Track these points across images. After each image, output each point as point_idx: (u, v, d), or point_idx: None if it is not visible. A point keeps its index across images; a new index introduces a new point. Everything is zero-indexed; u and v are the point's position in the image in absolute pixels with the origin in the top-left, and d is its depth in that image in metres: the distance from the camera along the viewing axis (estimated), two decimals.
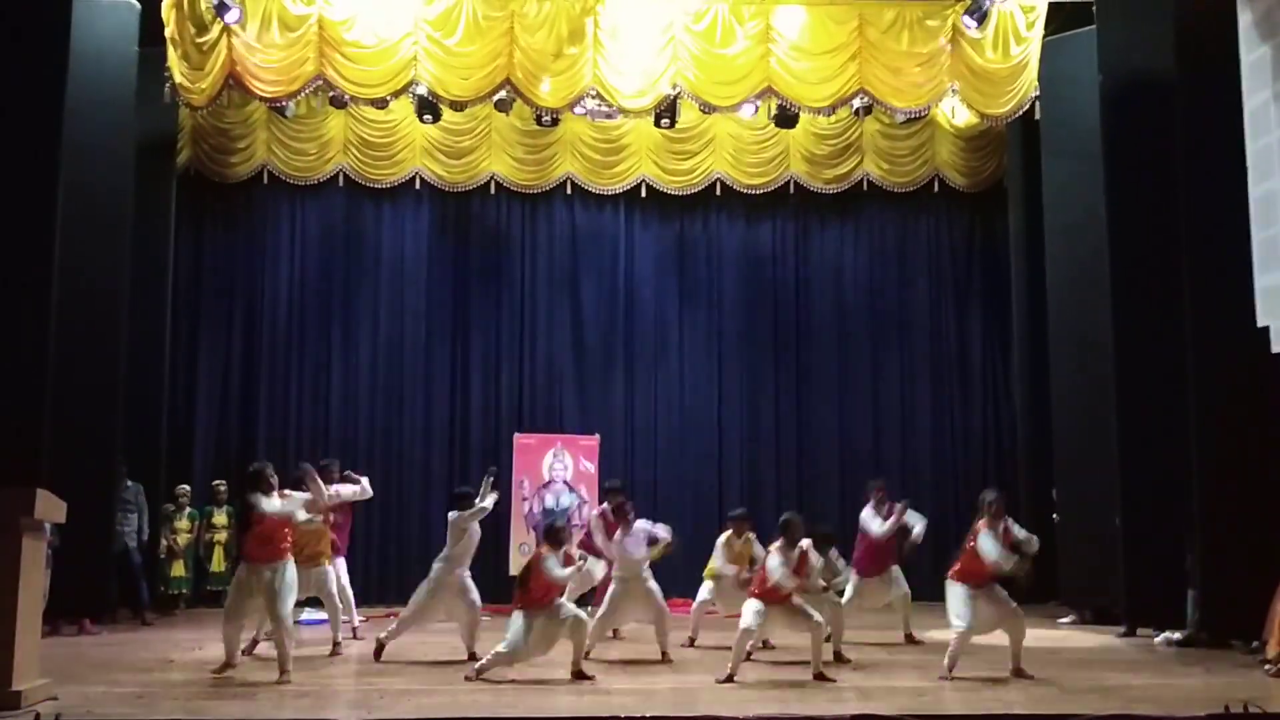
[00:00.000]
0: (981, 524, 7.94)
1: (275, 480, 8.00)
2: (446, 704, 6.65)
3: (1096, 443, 10.96)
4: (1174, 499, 9.67)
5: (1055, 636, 10.35)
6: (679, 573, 10.75)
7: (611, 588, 8.97)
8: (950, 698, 6.93)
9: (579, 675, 7.58)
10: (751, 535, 9.65)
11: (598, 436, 13.27)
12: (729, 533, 9.68)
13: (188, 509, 12.23)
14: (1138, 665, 8.52)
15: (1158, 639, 9.69)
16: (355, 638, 9.65)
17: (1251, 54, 9.25)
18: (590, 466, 12.94)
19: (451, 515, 8.81)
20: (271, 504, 7.88)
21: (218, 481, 12.74)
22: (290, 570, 7.75)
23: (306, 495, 8.18)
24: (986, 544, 7.82)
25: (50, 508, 6.72)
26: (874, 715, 6.05)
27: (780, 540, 7.95)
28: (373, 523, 13.59)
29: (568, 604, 8.00)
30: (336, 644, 8.96)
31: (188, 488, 12.46)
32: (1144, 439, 10.18)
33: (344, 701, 6.74)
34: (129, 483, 11.09)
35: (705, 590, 9.75)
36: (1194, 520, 9.39)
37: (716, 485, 14.12)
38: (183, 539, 12.01)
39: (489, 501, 8.81)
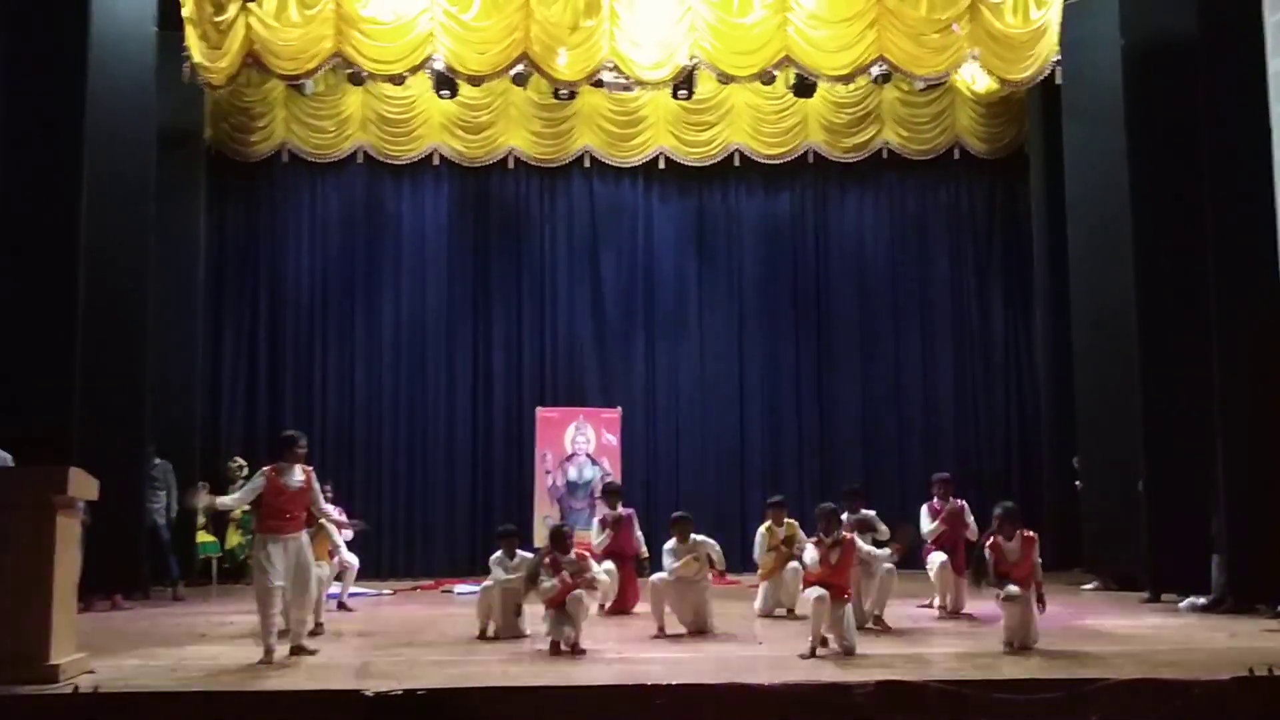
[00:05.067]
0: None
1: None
2: (476, 674, 6.73)
3: (1119, 408, 10.95)
4: (1197, 464, 9.65)
5: (1078, 602, 10.37)
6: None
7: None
8: (966, 666, 6.95)
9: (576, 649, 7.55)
10: (793, 521, 9.55)
11: (619, 409, 13.33)
12: (768, 522, 9.60)
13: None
14: (1162, 630, 8.52)
15: (1182, 604, 9.69)
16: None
17: (1275, 15, 9.13)
18: (613, 439, 13.01)
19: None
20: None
21: (234, 459, 12.81)
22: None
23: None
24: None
25: (82, 485, 6.80)
26: (897, 681, 6.08)
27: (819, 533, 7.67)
28: (398, 497, 13.73)
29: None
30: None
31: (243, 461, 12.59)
32: (1167, 404, 10.15)
33: (376, 673, 6.82)
34: (157, 460, 11.18)
35: (760, 599, 9.47)
36: (1218, 485, 9.38)
37: (738, 456, 14.17)
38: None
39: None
